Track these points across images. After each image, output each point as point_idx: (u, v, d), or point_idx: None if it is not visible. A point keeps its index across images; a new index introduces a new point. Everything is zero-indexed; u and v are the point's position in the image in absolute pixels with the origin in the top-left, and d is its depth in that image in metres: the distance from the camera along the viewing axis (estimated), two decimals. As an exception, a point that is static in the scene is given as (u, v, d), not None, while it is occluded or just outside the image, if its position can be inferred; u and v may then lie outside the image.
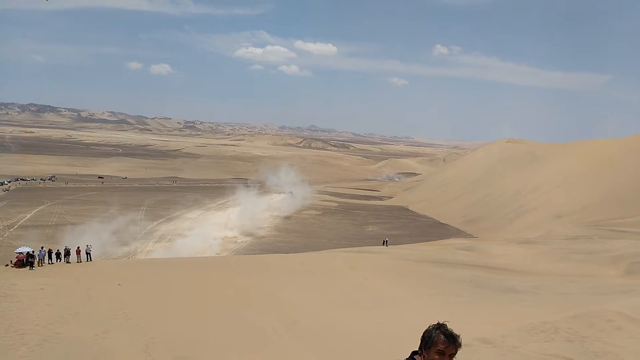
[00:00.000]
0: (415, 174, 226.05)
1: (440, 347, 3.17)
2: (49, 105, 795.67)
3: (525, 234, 69.78)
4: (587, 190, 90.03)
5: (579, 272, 34.20)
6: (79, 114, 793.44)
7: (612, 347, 11.93)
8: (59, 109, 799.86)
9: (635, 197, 75.91)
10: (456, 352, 3.24)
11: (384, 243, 57.06)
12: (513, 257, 42.07)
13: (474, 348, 11.76)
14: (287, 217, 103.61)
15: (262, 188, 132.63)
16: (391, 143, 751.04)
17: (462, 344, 3.25)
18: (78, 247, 35.69)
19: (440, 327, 3.25)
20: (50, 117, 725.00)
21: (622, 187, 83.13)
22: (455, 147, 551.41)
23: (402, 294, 25.43)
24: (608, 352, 11.61)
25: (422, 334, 3.31)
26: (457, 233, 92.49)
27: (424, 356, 3.24)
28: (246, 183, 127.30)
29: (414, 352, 3.35)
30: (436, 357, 3.18)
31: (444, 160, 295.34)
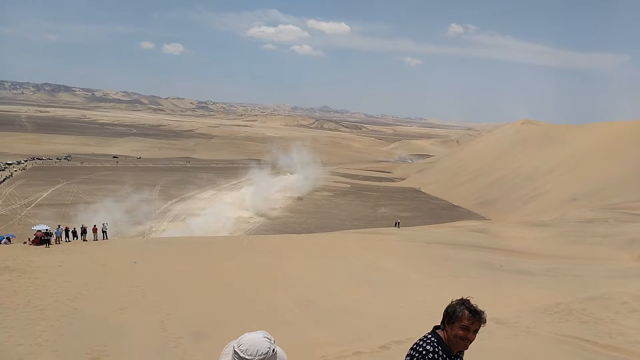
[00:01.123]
0: (428, 156, 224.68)
1: (465, 322, 3.18)
2: (63, 85, 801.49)
3: (539, 217, 69.28)
4: (603, 173, 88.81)
5: (593, 255, 33.95)
6: (93, 94, 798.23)
7: (626, 328, 11.89)
8: (73, 88, 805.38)
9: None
10: (479, 328, 3.25)
11: (395, 225, 57.11)
12: (526, 239, 41.84)
13: (487, 328, 11.76)
14: (300, 198, 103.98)
15: (275, 169, 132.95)
16: (404, 124, 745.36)
17: (486, 320, 3.26)
18: (95, 226, 36.25)
19: (465, 303, 3.26)
20: (64, 96, 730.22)
21: (636, 171, 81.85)
22: (468, 129, 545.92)
23: (414, 274, 25.50)
24: (622, 334, 11.57)
25: (445, 309, 3.31)
26: (469, 215, 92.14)
27: (447, 331, 3.25)
28: (259, 164, 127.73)
29: (436, 327, 3.36)
30: (460, 332, 3.19)
31: (457, 141, 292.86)
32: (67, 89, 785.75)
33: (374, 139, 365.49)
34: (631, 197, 70.28)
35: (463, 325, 3.18)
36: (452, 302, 3.31)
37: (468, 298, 3.30)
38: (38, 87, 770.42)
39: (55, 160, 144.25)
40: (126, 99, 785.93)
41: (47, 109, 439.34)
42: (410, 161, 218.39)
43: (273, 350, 2.69)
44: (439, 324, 3.36)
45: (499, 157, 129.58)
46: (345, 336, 13.92)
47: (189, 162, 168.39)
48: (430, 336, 3.30)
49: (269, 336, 2.74)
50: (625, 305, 13.57)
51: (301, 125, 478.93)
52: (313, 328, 15.48)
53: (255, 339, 2.69)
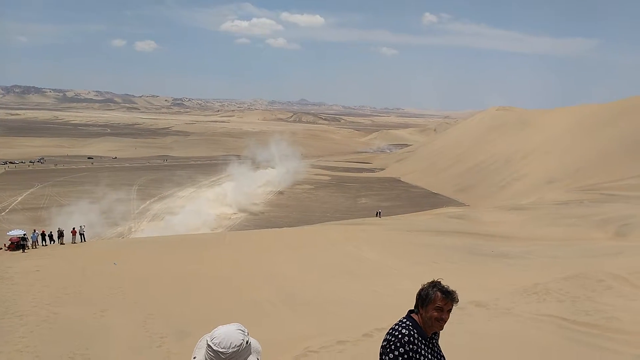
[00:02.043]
0: (406, 145, 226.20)
1: (439, 303, 3.23)
2: (33, 87, 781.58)
3: (516, 201, 70.49)
4: (577, 156, 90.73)
5: (569, 236, 34.70)
6: (65, 94, 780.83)
7: (603, 305, 12.22)
8: (43, 89, 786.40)
9: (624, 161, 76.66)
10: (452, 308, 3.30)
11: (377, 214, 57.53)
12: (504, 223, 42.54)
13: (467, 311, 11.99)
14: (281, 192, 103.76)
15: (254, 163, 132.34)
16: (382, 115, 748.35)
17: (458, 299, 3.31)
18: (73, 228, 35.64)
19: (436, 285, 3.31)
20: (35, 98, 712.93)
21: (611, 152, 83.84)
22: (446, 117, 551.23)
23: (396, 262, 25.73)
24: (599, 311, 11.89)
25: (417, 293, 3.35)
26: (449, 202, 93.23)
27: (421, 314, 3.29)
28: (238, 159, 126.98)
29: (411, 311, 3.40)
30: (435, 313, 3.24)
31: (434, 130, 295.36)
32: (37, 90, 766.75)
33: (352, 130, 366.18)
34: (604, 178, 72.00)
35: (437, 306, 3.24)
36: (423, 285, 3.35)
37: (439, 280, 3.35)
38: (7, 90, 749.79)
39: (28, 163, 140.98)
40: (99, 99, 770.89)
41: (17, 111, 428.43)
42: (389, 151, 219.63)
43: (247, 342, 2.68)
44: (413, 308, 3.40)
45: (475, 144, 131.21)
46: (328, 327, 13.99)
47: (167, 160, 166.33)
48: (405, 320, 3.33)
49: (243, 328, 2.73)
50: (601, 283, 13.94)
51: (279, 119, 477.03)
52: (297, 320, 15.53)
53: (228, 332, 2.68)
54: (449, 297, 3.26)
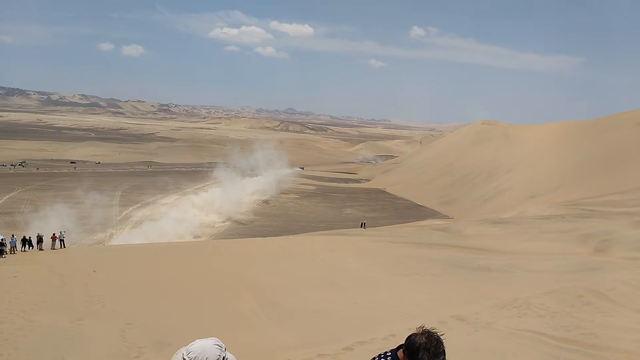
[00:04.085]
0: (392, 157, 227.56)
1: None
2: (17, 88, 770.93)
3: (499, 214, 71.21)
4: (559, 171, 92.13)
5: (550, 251, 35.06)
6: (49, 97, 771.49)
7: (582, 321, 12.34)
8: (27, 92, 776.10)
9: (604, 177, 78.02)
10: None
11: (362, 225, 57.58)
12: (487, 236, 42.87)
13: (449, 325, 12.02)
14: (266, 201, 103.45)
15: (240, 171, 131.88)
16: (369, 126, 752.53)
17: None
18: (54, 234, 35.03)
19: (428, 343, 3.10)
20: (18, 100, 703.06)
21: (591, 168, 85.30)
22: (431, 130, 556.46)
23: (380, 274, 25.75)
24: (577, 327, 12.00)
25: (407, 338, 3.18)
26: (433, 214, 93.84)
27: (405, 358, 3.17)
28: (223, 167, 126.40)
29: (400, 346, 3.27)
30: None
31: (420, 142, 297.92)
32: (21, 92, 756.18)
33: (339, 140, 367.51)
34: (585, 194, 73.14)
35: None
36: (416, 333, 3.15)
37: (434, 330, 3.15)
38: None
39: (9, 166, 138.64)
40: (84, 102, 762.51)
41: (0, 113, 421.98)
42: (375, 162, 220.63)
43: (224, 358, 2.65)
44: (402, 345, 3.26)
45: (460, 157, 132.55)
46: (310, 338, 13.92)
47: (151, 166, 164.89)
48: (389, 356, 3.23)
49: (220, 343, 2.70)
50: (580, 299, 14.09)
51: (266, 128, 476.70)
52: (278, 331, 15.42)
53: (205, 346, 2.65)
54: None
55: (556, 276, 23.88)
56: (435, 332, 3.15)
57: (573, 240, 38.19)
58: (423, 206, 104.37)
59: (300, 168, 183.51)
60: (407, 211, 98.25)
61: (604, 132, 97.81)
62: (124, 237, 64.99)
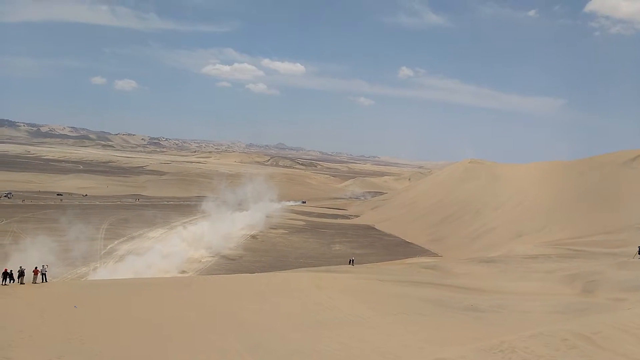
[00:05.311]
0: (381, 193, 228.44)
1: None
2: (6, 120, 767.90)
3: (487, 253, 71.29)
4: (544, 210, 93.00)
5: (537, 291, 35.06)
6: (39, 129, 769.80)
7: (566, 365, 12.28)
8: (17, 123, 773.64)
9: (588, 217, 78.85)
10: None
11: (350, 262, 57.20)
12: (475, 275, 42.82)
13: (434, 369, 11.89)
14: (254, 236, 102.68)
15: (229, 206, 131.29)
16: (358, 162, 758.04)
17: None
18: (35, 268, 34.29)
19: None
20: (7, 131, 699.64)
21: (576, 207, 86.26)
22: (420, 167, 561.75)
23: (367, 313, 25.49)
24: (562, 371, 11.94)
25: None
26: (422, 252, 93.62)
27: None
28: (212, 201, 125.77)
29: None
30: None
31: (409, 179, 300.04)
32: (10, 124, 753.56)
33: (328, 176, 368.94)
34: (571, 233, 73.73)
35: None
36: None
37: None
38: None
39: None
40: (74, 135, 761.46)
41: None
42: (363, 198, 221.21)
43: None
44: None
45: (448, 195, 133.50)
46: (294, 381, 13.65)
47: (139, 199, 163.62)
48: None
49: None
50: (566, 342, 14.05)
51: (256, 162, 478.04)
52: (262, 373, 15.11)
53: None
54: None
55: (544, 317, 23.82)
56: None
57: (560, 280, 38.26)
58: (411, 243, 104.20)
59: (303, 202, 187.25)
60: (395, 248, 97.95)
61: (587, 172, 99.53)
62: (107, 271, 63.75)
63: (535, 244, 68.19)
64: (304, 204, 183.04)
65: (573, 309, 26.20)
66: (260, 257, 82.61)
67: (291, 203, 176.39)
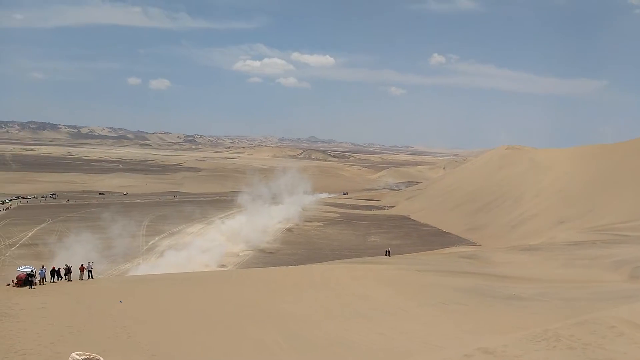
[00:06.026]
0: (416, 183, 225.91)
1: None
2: (48, 123, 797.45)
3: (528, 241, 69.57)
4: (587, 196, 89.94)
5: (583, 278, 34.04)
6: (79, 131, 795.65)
7: (614, 353, 11.87)
8: (58, 126, 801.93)
9: (634, 201, 75.80)
10: None
11: (386, 253, 56.87)
12: (516, 264, 41.90)
13: (474, 358, 11.69)
14: (290, 229, 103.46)
15: (264, 200, 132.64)
16: (391, 152, 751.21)
17: None
18: (82, 265, 35.55)
19: None
20: (50, 134, 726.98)
21: (622, 192, 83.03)
22: (454, 155, 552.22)
23: (405, 303, 25.33)
24: (610, 359, 11.55)
25: None
26: (459, 241, 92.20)
27: None
28: (247, 195, 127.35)
29: None
30: None
31: (444, 168, 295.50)
32: (52, 127, 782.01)
33: (361, 167, 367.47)
34: (617, 219, 71.06)
35: None
36: None
37: None
38: (23, 126, 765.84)
39: (40, 198, 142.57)
40: (112, 135, 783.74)
41: (32, 147, 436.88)
42: (398, 188, 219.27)
43: None
44: None
45: (485, 183, 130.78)
46: (334, 371, 13.71)
47: (177, 196, 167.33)
48: None
49: None
50: (613, 330, 13.57)
51: (289, 156, 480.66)
52: (302, 364, 15.24)
53: None
54: None
55: (589, 305, 23.10)
56: None
57: (606, 267, 37.02)
58: (448, 233, 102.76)
59: (344, 194, 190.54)
60: (432, 238, 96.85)
61: (632, 155, 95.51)
62: (149, 266, 65.61)
63: (579, 230, 66.11)
64: (345, 195, 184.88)
65: (620, 296, 25.30)
66: (296, 250, 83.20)
67: (328, 195, 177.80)
